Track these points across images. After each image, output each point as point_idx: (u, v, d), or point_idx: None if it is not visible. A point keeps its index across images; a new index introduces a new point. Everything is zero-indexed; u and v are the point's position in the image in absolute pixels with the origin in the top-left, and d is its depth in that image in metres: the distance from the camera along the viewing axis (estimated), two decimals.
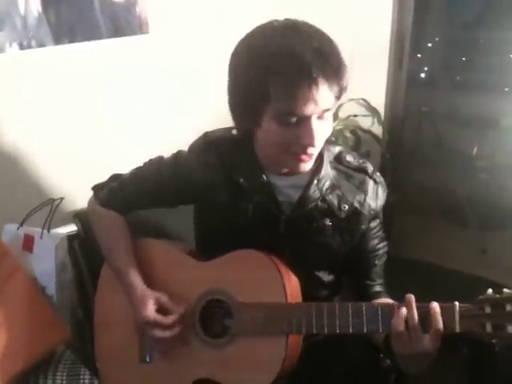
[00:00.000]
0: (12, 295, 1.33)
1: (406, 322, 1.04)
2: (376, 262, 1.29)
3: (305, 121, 1.05)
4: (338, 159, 1.23)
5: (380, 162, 2.42)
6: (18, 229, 1.50)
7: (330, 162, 1.22)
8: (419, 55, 2.41)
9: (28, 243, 1.49)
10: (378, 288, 1.30)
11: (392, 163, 2.40)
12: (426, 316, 1.04)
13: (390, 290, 1.32)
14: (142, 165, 1.34)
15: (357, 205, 1.21)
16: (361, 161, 1.25)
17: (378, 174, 1.25)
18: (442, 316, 1.02)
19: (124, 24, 1.68)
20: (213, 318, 1.23)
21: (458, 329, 1.02)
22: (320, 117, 1.07)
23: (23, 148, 1.59)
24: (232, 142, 1.23)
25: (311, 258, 1.25)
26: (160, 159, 1.32)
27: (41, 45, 1.52)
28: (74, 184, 1.65)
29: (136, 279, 1.26)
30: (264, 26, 1.09)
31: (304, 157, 1.10)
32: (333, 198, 1.20)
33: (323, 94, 1.03)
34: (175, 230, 1.49)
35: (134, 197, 1.32)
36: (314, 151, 1.11)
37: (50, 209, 1.50)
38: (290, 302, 1.15)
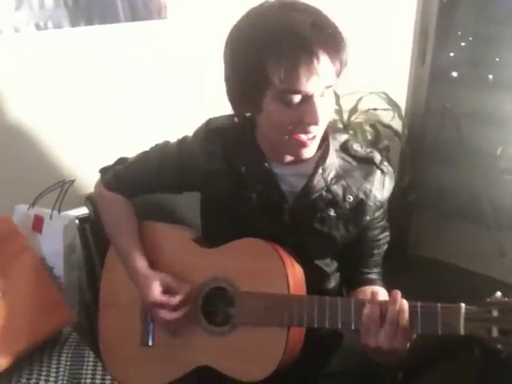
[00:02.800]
0: (19, 274, 1.34)
1: (382, 316, 1.01)
2: (375, 251, 1.26)
3: (308, 99, 1.03)
4: (345, 148, 1.20)
5: (399, 157, 2.38)
6: (28, 209, 1.51)
7: (336, 151, 1.19)
8: (443, 50, 2.36)
9: (37, 224, 1.50)
10: (373, 276, 1.27)
11: (412, 160, 2.36)
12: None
13: (406, 287, 1.29)
14: (148, 149, 1.33)
15: (362, 196, 1.18)
16: (368, 150, 1.21)
17: (385, 163, 1.21)
18: (447, 317, 0.98)
19: (142, 8, 1.67)
20: (215, 305, 1.22)
21: (462, 331, 0.97)
22: (322, 94, 1.04)
23: (36, 129, 1.61)
24: (234, 130, 1.21)
25: (315, 248, 1.23)
26: (166, 144, 1.31)
27: (57, 26, 1.52)
28: (86, 167, 1.65)
29: (140, 261, 1.26)
30: (256, 8, 1.08)
31: (306, 139, 1.08)
32: (338, 189, 1.17)
33: (325, 69, 1.01)
34: (184, 215, 1.48)
35: (138, 180, 1.32)
36: (317, 132, 1.09)
37: (60, 191, 1.51)
38: (292, 294, 1.12)
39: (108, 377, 1.29)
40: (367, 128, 2.23)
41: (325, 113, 1.06)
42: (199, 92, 1.85)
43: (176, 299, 1.20)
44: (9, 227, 1.39)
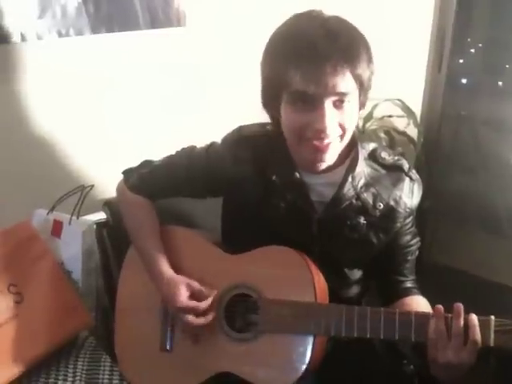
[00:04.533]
0: (39, 278, 1.35)
1: (448, 331, 1.03)
2: (409, 257, 1.27)
3: (317, 104, 1.05)
4: (373, 156, 1.21)
5: (414, 165, 2.36)
6: (47, 214, 1.52)
7: (365, 159, 1.20)
8: (460, 57, 2.35)
9: (57, 228, 1.51)
10: (409, 284, 1.29)
11: (427, 167, 2.35)
12: (465, 328, 1.02)
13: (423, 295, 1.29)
14: (173, 153, 1.34)
15: (392, 203, 1.19)
16: (396, 158, 1.22)
17: (413, 171, 1.23)
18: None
19: (161, 16, 1.68)
20: (235, 312, 1.23)
21: (492, 343, 1.01)
22: (337, 104, 1.06)
23: (56, 135, 1.62)
24: (266, 138, 1.22)
25: (343, 257, 1.23)
26: (192, 148, 1.31)
27: (79, 33, 1.54)
28: (105, 172, 1.66)
29: (164, 265, 1.26)
30: (287, 19, 1.12)
31: (318, 144, 1.08)
32: (368, 197, 1.18)
33: (330, 75, 1.02)
34: (201, 220, 1.49)
35: (163, 184, 1.32)
36: (331, 139, 1.09)
37: (79, 196, 1.52)
38: (319, 302, 1.13)
39: (125, 382, 1.29)
40: (382, 135, 2.23)
41: (337, 122, 1.07)
42: (219, 98, 1.86)
43: (204, 304, 1.20)
44: (29, 232, 1.40)
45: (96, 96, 1.65)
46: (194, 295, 1.22)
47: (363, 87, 1.09)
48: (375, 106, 2.16)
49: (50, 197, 1.52)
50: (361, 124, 2.19)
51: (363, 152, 1.20)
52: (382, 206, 1.18)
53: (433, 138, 2.39)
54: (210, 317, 1.20)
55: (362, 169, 1.19)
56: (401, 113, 2.24)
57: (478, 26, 2.38)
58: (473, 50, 2.38)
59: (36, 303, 1.32)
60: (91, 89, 1.63)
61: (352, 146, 1.18)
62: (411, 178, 1.22)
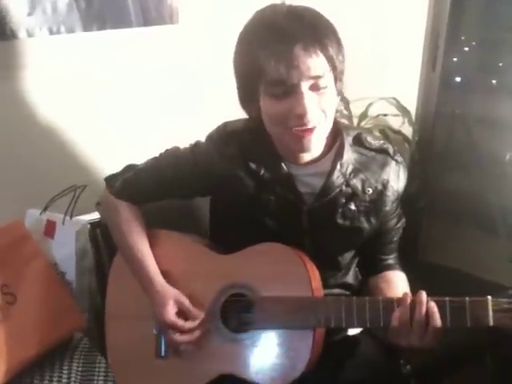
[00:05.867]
0: (31, 279, 1.34)
1: (411, 319, 1.04)
2: (394, 239, 1.31)
3: (294, 90, 1.05)
4: (359, 141, 1.21)
5: (409, 163, 2.37)
6: (40, 214, 1.51)
7: (351, 146, 1.20)
8: (454, 55, 2.35)
9: (50, 229, 1.50)
10: (391, 261, 1.32)
11: (421, 166, 2.35)
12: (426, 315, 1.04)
13: (415, 293, 1.29)
14: (157, 155, 1.31)
15: (380, 187, 1.20)
16: (381, 141, 1.24)
17: (398, 154, 1.24)
18: (475, 310, 1.02)
19: (154, 13, 1.67)
20: (233, 312, 1.21)
21: (491, 323, 1.02)
22: (313, 87, 1.06)
23: (48, 134, 1.61)
24: (250, 133, 1.21)
25: (335, 245, 1.23)
26: (177, 149, 1.29)
27: (70, 31, 1.53)
28: (98, 172, 1.65)
29: (155, 273, 1.23)
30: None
31: (302, 131, 1.08)
32: (357, 182, 1.19)
33: (304, 59, 1.03)
34: (189, 222, 1.44)
35: (150, 187, 1.29)
36: (312, 124, 1.08)
37: (72, 195, 1.51)
38: (317, 297, 1.13)
39: None
40: (376, 134, 2.22)
41: (317, 107, 1.07)
42: (212, 96, 1.85)
43: (189, 325, 1.19)
44: (21, 232, 1.39)
45: (88, 95, 1.63)
46: (182, 312, 1.20)
47: (336, 71, 1.09)
48: (370, 105, 2.16)
49: (43, 197, 1.51)
50: (356, 122, 2.18)
51: (348, 139, 1.21)
52: (371, 190, 1.19)
53: (427, 136, 2.38)
54: (194, 336, 1.19)
55: (349, 155, 1.19)
56: (395, 111, 2.24)
57: (471, 24, 2.38)
58: (467, 49, 2.38)
59: (29, 304, 1.31)
60: (83, 88, 1.62)
61: (336, 134, 1.18)
62: (397, 161, 1.22)
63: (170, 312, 1.19)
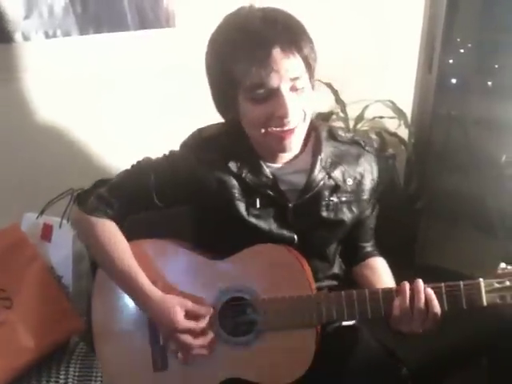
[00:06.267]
0: (28, 283, 1.33)
1: (411, 307, 1.09)
2: (372, 226, 1.35)
3: (275, 93, 1.07)
4: (332, 135, 1.25)
5: (405, 165, 2.37)
6: (37, 218, 1.50)
7: (326, 140, 1.23)
8: (450, 57, 2.35)
9: (46, 232, 1.49)
10: (369, 248, 1.37)
11: (418, 168, 2.35)
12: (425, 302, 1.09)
13: None
14: (129, 168, 1.26)
15: (359, 177, 1.24)
16: (351, 134, 1.27)
17: (369, 144, 1.27)
18: (470, 292, 1.08)
19: (151, 16, 1.67)
20: (231, 317, 1.20)
21: (484, 303, 1.08)
22: (293, 88, 1.08)
23: (45, 138, 1.60)
24: (228, 136, 1.21)
25: (320, 238, 1.25)
26: (150, 160, 1.25)
27: (66, 34, 1.53)
28: (95, 175, 1.63)
29: (149, 286, 1.17)
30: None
31: (284, 133, 1.10)
32: (338, 174, 1.22)
33: (282, 61, 1.05)
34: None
35: (125, 201, 1.22)
36: (294, 124, 1.10)
37: (69, 199, 1.50)
38: (318, 293, 1.17)
39: None
40: (373, 136, 2.22)
41: (297, 107, 1.09)
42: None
43: (202, 324, 1.16)
44: (17, 236, 1.39)
45: (85, 98, 1.63)
46: (189, 314, 1.16)
47: (311, 69, 1.11)
48: (366, 107, 2.16)
49: (40, 200, 1.50)
50: (352, 125, 2.19)
51: (323, 134, 1.23)
52: (351, 181, 1.23)
53: (424, 138, 2.38)
54: (209, 337, 1.17)
55: (327, 149, 1.22)
56: (392, 114, 2.24)
57: (467, 26, 2.38)
58: (463, 50, 2.38)
59: (25, 308, 1.31)
60: (80, 91, 1.62)
61: (310, 130, 1.20)
62: (368, 152, 1.26)
63: (180, 317, 1.15)
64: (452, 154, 2.40)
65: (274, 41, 1.04)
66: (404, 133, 2.29)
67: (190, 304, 1.17)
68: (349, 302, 1.12)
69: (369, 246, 1.37)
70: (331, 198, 1.22)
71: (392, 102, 2.23)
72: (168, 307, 1.15)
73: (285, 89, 1.07)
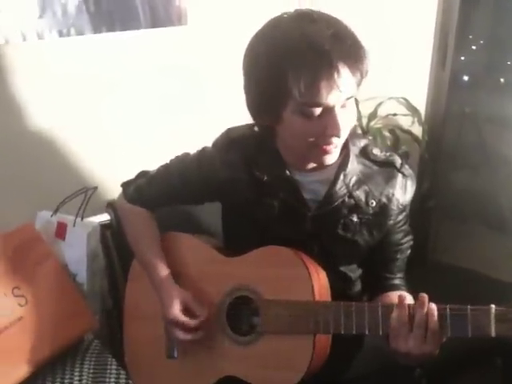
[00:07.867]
0: (42, 281, 1.34)
1: (410, 321, 1.03)
2: (398, 256, 1.27)
3: (329, 111, 1.03)
4: (365, 153, 1.20)
5: (419, 163, 2.36)
6: (51, 216, 1.51)
7: (356, 157, 1.19)
8: (463, 54, 2.34)
9: (61, 230, 1.50)
10: (396, 281, 1.28)
11: (431, 165, 2.34)
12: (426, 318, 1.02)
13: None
14: (168, 161, 1.33)
15: (385, 200, 1.19)
16: (388, 154, 1.21)
17: (406, 166, 1.22)
18: (477, 319, 0.99)
19: (163, 14, 1.67)
20: (240, 315, 1.22)
21: (493, 333, 0.99)
22: (343, 105, 1.04)
23: (59, 136, 1.61)
24: (254, 139, 1.21)
25: (340, 254, 1.23)
26: (185, 156, 1.31)
27: (80, 33, 1.53)
28: (109, 174, 1.66)
29: (164, 274, 1.26)
30: (275, 19, 1.08)
31: (329, 148, 1.08)
32: (360, 194, 1.17)
33: (346, 81, 1.01)
34: (206, 224, 1.49)
35: (160, 193, 1.32)
36: (339, 142, 1.09)
37: (83, 197, 1.51)
38: (317, 300, 1.12)
39: None
40: (386, 133, 2.22)
41: (346, 124, 1.07)
42: (221, 99, 1.85)
43: (193, 323, 1.21)
44: (31, 234, 1.39)
45: (98, 97, 1.64)
46: (187, 310, 1.22)
47: (360, 84, 1.07)
48: (379, 105, 2.16)
49: (53, 199, 1.51)
50: (365, 122, 2.18)
51: (354, 149, 1.19)
52: (374, 203, 1.18)
53: (437, 135, 2.37)
54: (198, 334, 1.22)
55: (354, 166, 1.18)
56: (405, 111, 2.23)
57: (481, 22, 2.37)
58: (476, 47, 2.36)
59: (40, 306, 1.31)
60: (93, 89, 1.62)
61: (344, 143, 1.16)
62: (404, 174, 1.20)
63: (175, 309, 1.21)
64: (465, 152, 2.39)
65: (340, 62, 0.99)
66: (418, 130, 2.28)
67: (190, 300, 1.22)
68: (346, 313, 1.08)
69: (396, 279, 1.28)
70: (351, 218, 1.18)
71: (405, 100, 2.22)
72: (171, 298, 1.23)
73: (337, 107, 1.04)
